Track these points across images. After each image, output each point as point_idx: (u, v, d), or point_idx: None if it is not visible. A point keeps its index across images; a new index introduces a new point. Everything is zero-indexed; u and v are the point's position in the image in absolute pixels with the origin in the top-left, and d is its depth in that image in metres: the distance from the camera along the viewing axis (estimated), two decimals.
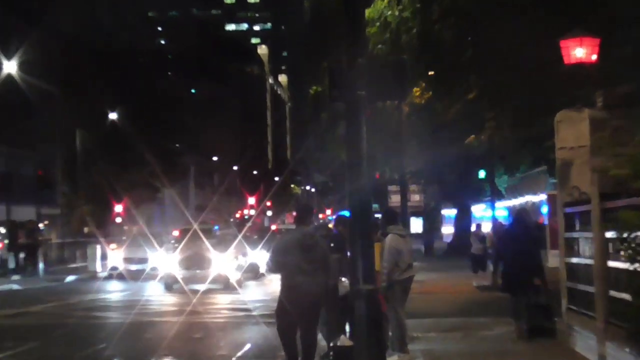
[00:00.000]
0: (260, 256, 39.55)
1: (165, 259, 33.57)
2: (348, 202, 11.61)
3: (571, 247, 15.02)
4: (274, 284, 32.96)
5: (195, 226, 37.15)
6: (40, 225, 51.31)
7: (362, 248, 11.20)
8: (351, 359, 8.75)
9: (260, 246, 40.17)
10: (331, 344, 8.49)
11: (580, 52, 16.38)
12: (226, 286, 31.53)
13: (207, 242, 32.44)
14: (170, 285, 31.90)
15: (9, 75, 47.00)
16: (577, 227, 14.50)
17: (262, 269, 39.34)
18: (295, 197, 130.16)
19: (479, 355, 14.76)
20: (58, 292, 31.50)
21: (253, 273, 38.20)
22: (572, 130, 14.56)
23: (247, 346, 16.98)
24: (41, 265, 39.31)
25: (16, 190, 48.50)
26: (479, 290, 28.16)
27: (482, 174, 32.15)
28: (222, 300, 27.64)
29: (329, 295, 11.83)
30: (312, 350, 11.87)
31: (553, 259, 35.04)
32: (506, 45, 22.33)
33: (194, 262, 32.14)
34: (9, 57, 47.02)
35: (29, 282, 36.18)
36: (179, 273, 31.73)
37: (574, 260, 14.79)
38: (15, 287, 34.59)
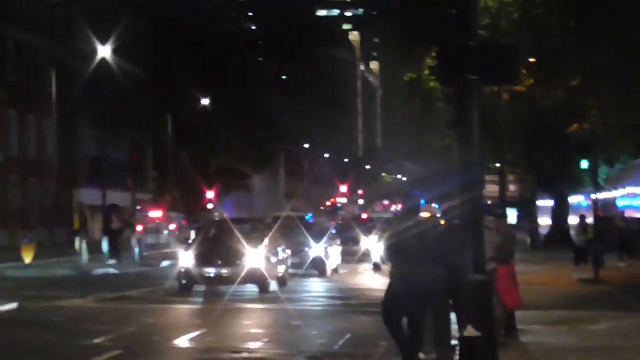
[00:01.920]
0: (329, 250, 34.76)
1: (181, 254, 26.57)
2: (459, 192, 11.53)
3: None
4: (344, 280, 32.31)
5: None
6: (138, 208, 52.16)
7: (473, 239, 11.12)
8: (479, 350, 8.68)
9: (325, 238, 34.88)
10: (458, 335, 8.46)
11: None
12: (263, 288, 25.63)
13: (237, 233, 26.36)
14: (187, 287, 25.44)
15: (103, 60, 47.71)
16: None
17: (331, 264, 34.72)
18: (391, 185, 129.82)
19: (592, 350, 14.50)
20: (154, 277, 31.92)
21: (318, 269, 33.55)
22: None
23: (347, 335, 16.98)
24: (137, 250, 39.91)
25: (109, 175, 49.34)
26: (581, 283, 27.79)
27: (584, 164, 31.63)
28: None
29: (440, 286, 11.78)
30: (419, 340, 11.84)
31: None
32: (616, 29, 21.94)
33: (219, 257, 25.65)
34: (102, 42, 47.75)
35: (125, 267, 36.78)
36: (198, 271, 25.31)
37: None
38: (112, 271, 35.20)
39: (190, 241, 27.62)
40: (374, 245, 36.72)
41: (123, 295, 25.20)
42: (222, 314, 20.92)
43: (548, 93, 27.62)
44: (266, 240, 26.52)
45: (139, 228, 44.49)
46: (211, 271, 25.25)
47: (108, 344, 15.70)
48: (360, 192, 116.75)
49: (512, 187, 50.81)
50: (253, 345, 16.01)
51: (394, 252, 11.98)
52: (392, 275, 11.98)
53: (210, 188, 66.31)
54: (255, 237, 26.50)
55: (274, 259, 26.88)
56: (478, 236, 11.19)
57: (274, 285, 26.45)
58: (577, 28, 25.36)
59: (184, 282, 25.45)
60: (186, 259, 25.65)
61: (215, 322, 19.10)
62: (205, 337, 16.82)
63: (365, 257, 39.48)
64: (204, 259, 25.42)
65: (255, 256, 25.48)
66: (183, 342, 16.35)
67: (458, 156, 11.52)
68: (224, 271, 25.27)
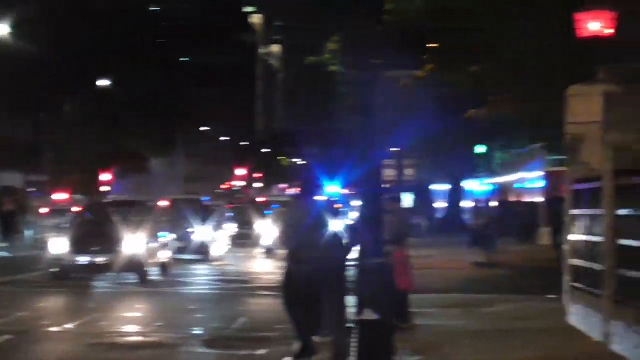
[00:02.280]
0: (215, 233, 33.72)
1: (52, 240, 24.73)
2: (359, 174, 11.49)
3: (577, 225, 14.90)
4: (234, 264, 31.13)
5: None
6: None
7: (371, 222, 11.06)
8: (378, 334, 8.59)
9: (211, 221, 33.86)
10: (356, 318, 8.35)
11: (594, 25, 16.11)
12: (141, 276, 23.80)
13: (114, 217, 24.63)
14: (60, 275, 23.61)
15: (2, 39, 46.66)
16: (585, 204, 14.36)
17: (217, 248, 33.51)
18: (289, 168, 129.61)
19: (486, 333, 14.60)
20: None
21: (201, 253, 32.16)
22: (585, 105, 14.35)
23: (242, 319, 16.80)
24: (32, 233, 39.10)
25: (3, 156, 48.24)
26: (476, 266, 28.04)
27: (482, 148, 31.97)
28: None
29: (335, 269, 11.64)
30: (315, 324, 11.61)
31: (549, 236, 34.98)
32: (518, 18, 22.15)
33: (94, 243, 23.78)
34: (1, 19, 46.67)
35: (17, 250, 35.97)
36: (71, 259, 23.52)
37: (580, 237, 14.66)
38: (2, 254, 34.38)
39: (64, 226, 26.33)
40: (267, 228, 36.32)
41: (13, 279, 24.58)
42: (113, 298, 20.65)
43: (448, 78, 27.70)
44: (146, 225, 24.53)
45: (45, 210, 43.54)
46: (85, 259, 23.33)
47: None
48: (258, 175, 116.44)
49: (408, 171, 51.26)
50: (146, 329, 15.74)
51: (290, 235, 11.83)
52: (288, 259, 11.81)
53: (106, 170, 65.42)
54: (135, 222, 24.51)
55: (154, 245, 24.88)
56: (377, 219, 11.14)
57: (156, 272, 25.00)
58: (480, 16, 25.53)
59: (56, 270, 23.58)
60: (57, 245, 23.80)
61: (106, 307, 18.79)
62: (97, 322, 16.48)
63: (259, 240, 38.81)
64: (77, 246, 23.57)
65: (133, 242, 23.62)
66: (75, 326, 16.00)
67: (359, 140, 11.49)
68: (99, 259, 23.36)
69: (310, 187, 12.29)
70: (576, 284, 14.89)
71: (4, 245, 37.04)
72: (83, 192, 68.69)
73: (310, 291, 11.50)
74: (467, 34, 26.05)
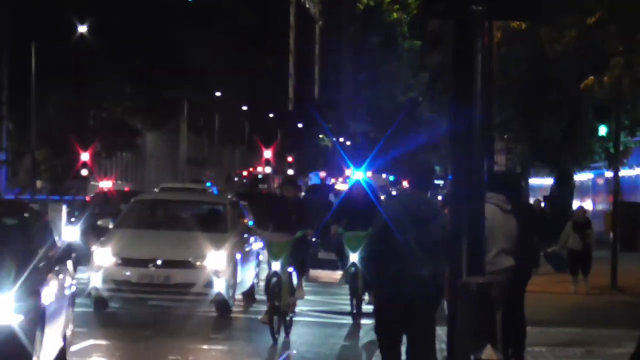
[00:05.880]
0: None
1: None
2: (450, 162, 11.56)
3: None
4: None
5: None
6: None
7: (470, 226, 11.08)
8: None
9: None
10: (472, 356, 8.39)
11: None
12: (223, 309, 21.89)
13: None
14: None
15: None
16: None
17: None
18: (324, 151, 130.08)
19: None
20: None
21: None
22: None
23: None
24: None
25: None
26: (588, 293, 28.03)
27: (602, 130, 31.87)
28: None
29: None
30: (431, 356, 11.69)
31: None
32: None
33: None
34: None
35: None
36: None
37: None
38: None
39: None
40: None
41: None
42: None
43: (557, 34, 27.73)
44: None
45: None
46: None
47: None
48: (289, 159, 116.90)
49: (499, 158, 51.17)
50: None
51: (387, 242, 11.73)
52: (380, 276, 11.85)
53: (85, 148, 65.75)
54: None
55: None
56: (477, 222, 11.14)
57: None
58: None
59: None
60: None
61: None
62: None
63: None
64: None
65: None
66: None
67: (452, 115, 11.54)
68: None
69: (424, 174, 12.51)
70: None
71: None
72: (54, 177, 69.27)
73: (413, 319, 11.56)
74: None
